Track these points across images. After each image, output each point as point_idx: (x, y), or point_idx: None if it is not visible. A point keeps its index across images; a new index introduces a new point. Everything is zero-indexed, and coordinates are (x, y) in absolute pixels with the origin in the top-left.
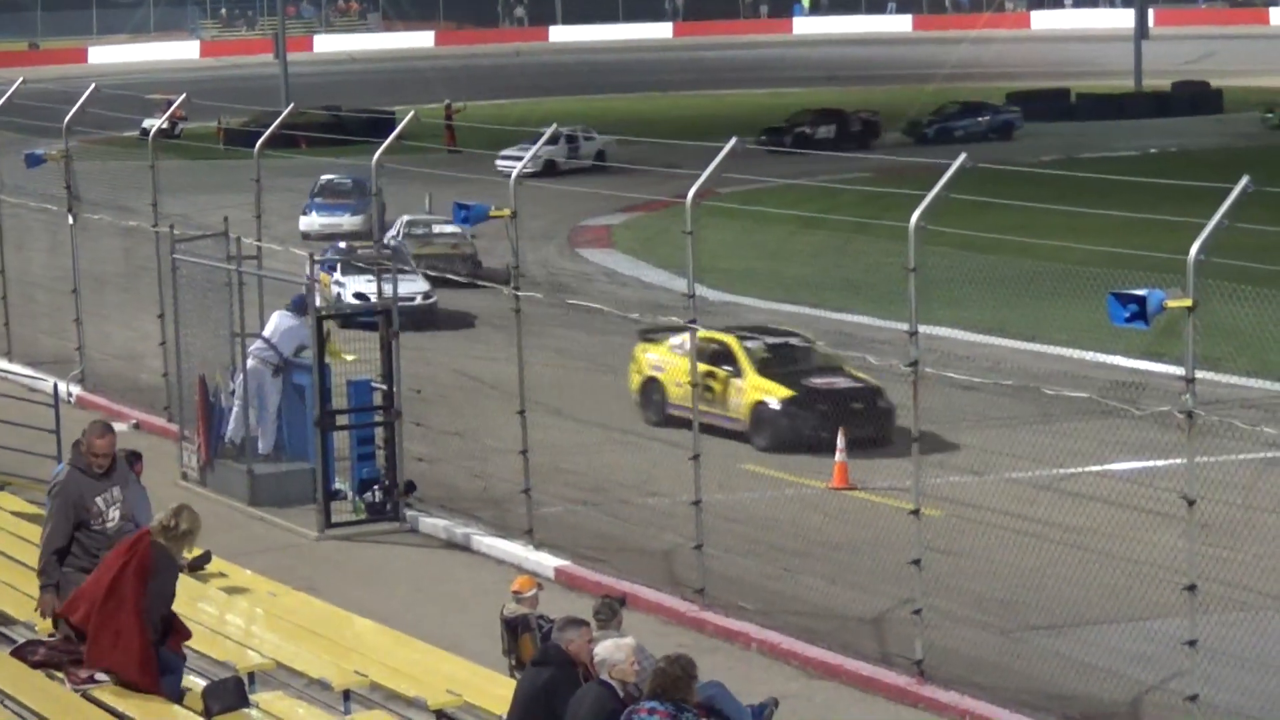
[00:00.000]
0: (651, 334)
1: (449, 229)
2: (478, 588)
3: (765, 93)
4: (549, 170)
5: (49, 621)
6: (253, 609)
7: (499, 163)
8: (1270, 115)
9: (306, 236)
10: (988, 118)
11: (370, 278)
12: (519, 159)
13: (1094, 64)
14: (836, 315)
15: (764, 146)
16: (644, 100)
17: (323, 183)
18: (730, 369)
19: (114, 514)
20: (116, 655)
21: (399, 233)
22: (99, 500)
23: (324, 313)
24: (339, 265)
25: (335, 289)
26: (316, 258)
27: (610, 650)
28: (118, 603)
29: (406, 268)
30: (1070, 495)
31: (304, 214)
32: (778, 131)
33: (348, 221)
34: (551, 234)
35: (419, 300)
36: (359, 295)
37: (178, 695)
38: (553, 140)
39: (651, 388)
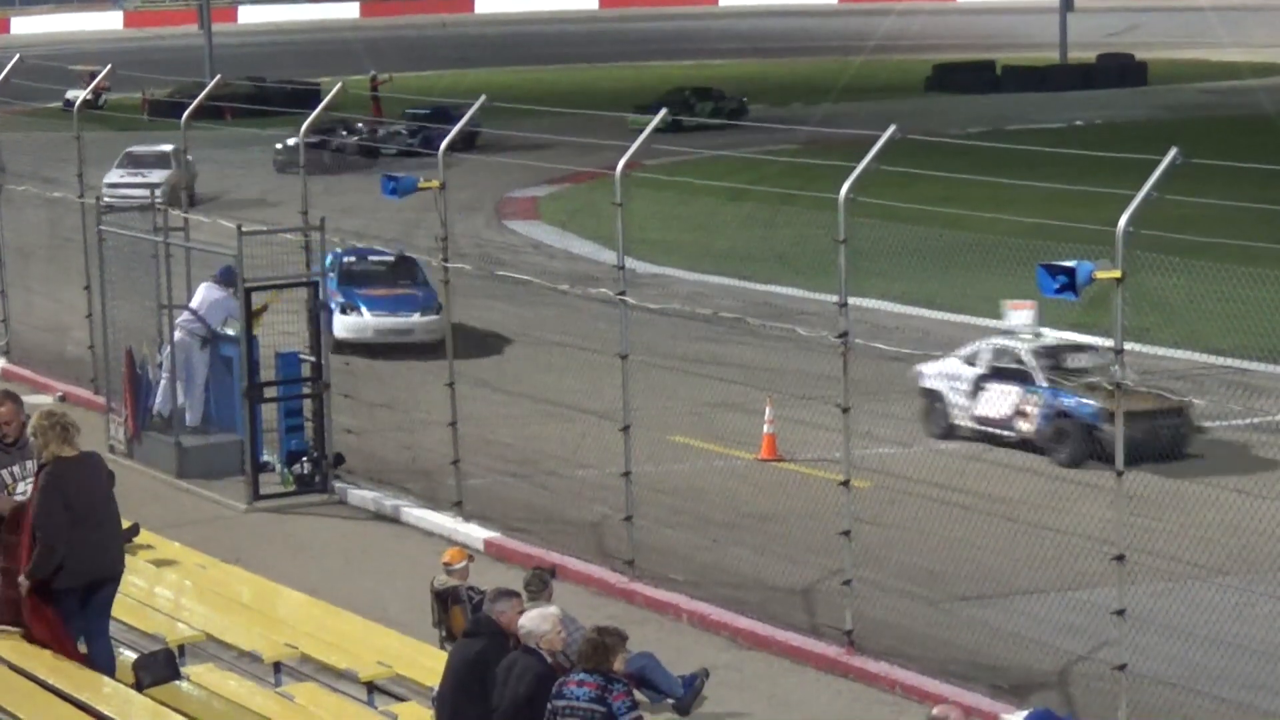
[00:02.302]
0: None
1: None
2: (407, 559)
3: (690, 64)
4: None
5: None
6: (182, 581)
7: (106, 191)
8: (636, 118)
9: (343, 347)
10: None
11: None
12: (134, 184)
13: (1019, 36)
14: (765, 287)
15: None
16: (569, 72)
17: (347, 264)
18: None
19: (24, 487)
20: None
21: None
22: (5, 473)
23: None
24: None
25: None
26: None
27: (536, 621)
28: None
29: None
30: (998, 466)
31: (343, 313)
32: (319, 146)
33: (419, 325)
34: (478, 206)
35: None
36: None
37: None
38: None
39: None
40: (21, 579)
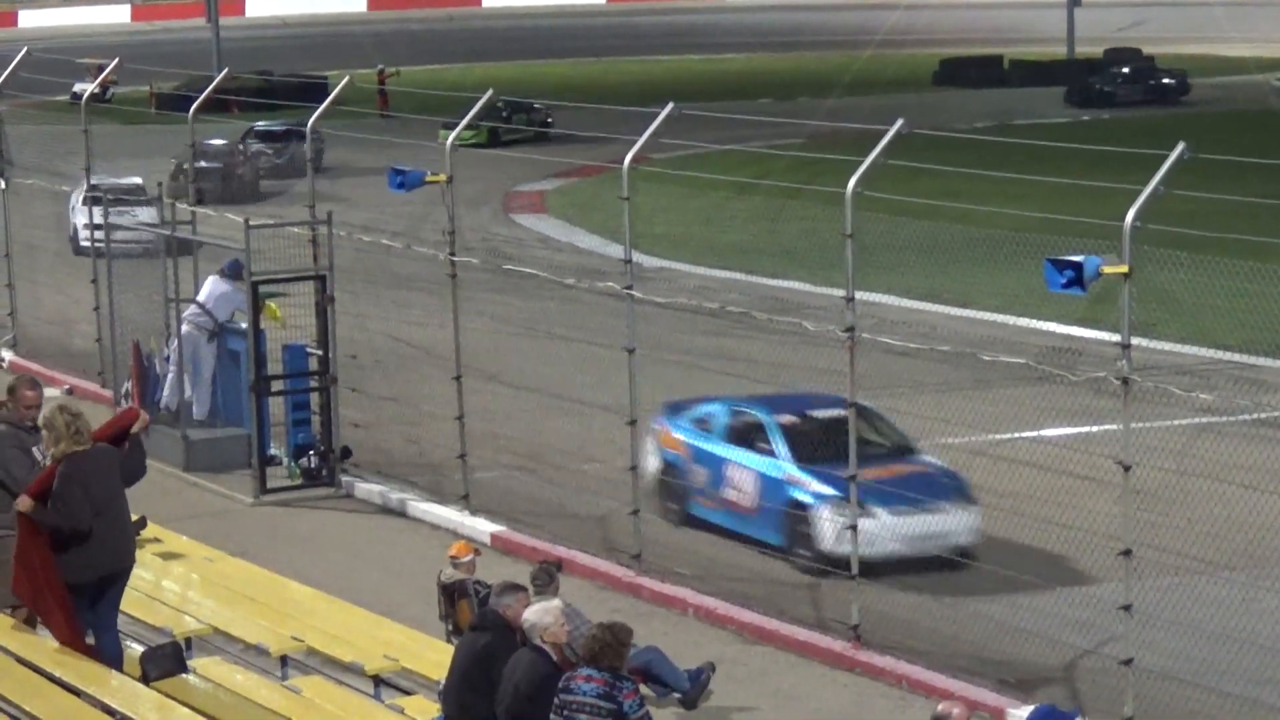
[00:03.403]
0: None
1: None
2: (413, 553)
3: (700, 59)
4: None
5: None
6: (189, 574)
7: (85, 235)
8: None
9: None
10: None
11: None
12: (125, 227)
13: (1027, 31)
14: (772, 281)
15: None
16: (577, 66)
17: (790, 426)
18: None
19: (49, 464)
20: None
21: None
22: (37, 451)
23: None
24: None
25: None
26: None
27: (539, 614)
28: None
29: None
30: (1005, 461)
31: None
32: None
33: (965, 525)
34: (485, 200)
35: None
36: None
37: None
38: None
39: None
40: (23, 496)
